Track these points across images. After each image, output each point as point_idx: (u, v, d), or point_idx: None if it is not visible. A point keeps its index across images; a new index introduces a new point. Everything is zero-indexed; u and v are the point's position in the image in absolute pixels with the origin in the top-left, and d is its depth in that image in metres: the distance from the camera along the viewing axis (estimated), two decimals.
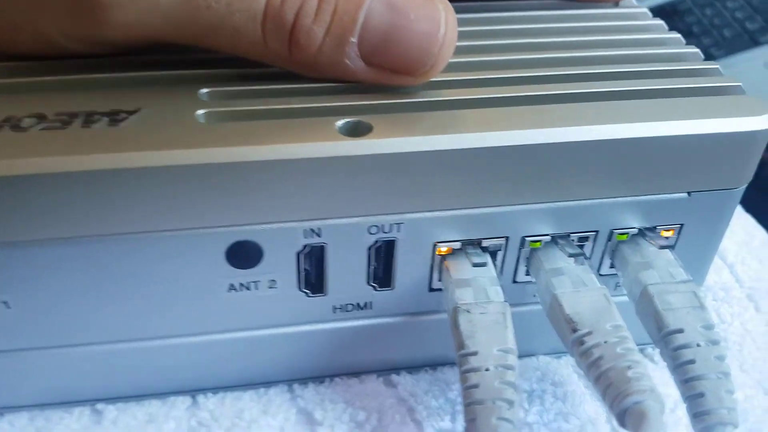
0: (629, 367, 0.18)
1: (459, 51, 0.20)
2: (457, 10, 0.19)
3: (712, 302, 0.26)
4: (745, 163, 0.20)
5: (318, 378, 0.22)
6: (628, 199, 0.20)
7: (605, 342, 0.18)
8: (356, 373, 0.23)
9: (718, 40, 0.53)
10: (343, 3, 0.17)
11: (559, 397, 0.22)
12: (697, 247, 0.22)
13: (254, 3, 0.17)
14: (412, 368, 0.23)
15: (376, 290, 0.21)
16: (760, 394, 0.23)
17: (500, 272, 0.21)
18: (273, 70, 0.19)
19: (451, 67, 0.20)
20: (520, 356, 0.22)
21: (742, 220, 0.29)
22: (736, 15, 0.54)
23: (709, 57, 0.52)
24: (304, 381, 0.22)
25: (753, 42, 0.52)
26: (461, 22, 0.19)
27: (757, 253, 0.28)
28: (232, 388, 0.22)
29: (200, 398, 0.21)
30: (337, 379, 0.22)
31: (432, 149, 0.18)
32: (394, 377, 0.22)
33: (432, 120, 0.18)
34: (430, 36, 0.18)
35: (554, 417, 0.21)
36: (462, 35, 0.20)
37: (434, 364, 0.23)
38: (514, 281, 0.21)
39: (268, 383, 0.22)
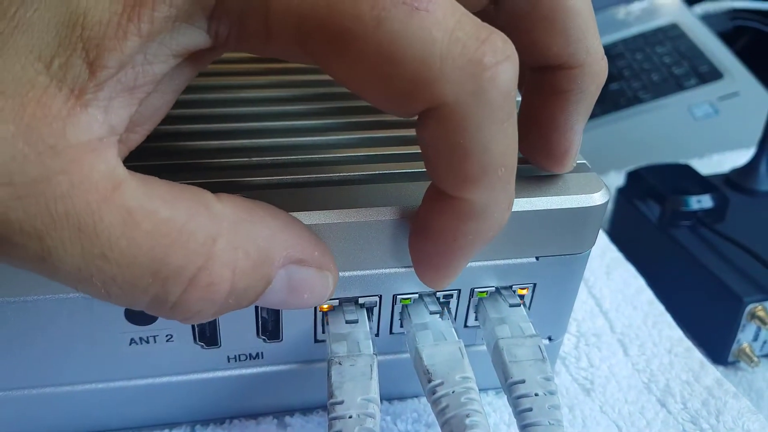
0: (467, 415, 0.20)
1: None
2: None
3: (584, 347, 0.28)
4: (585, 233, 0.23)
5: (218, 420, 0.25)
6: (485, 263, 0.23)
7: (453, 392, 0.21)
8: (254, 414, 0.25)
9: (646, 84, 0.56)
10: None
11: None
12: (552, 302, 0.24)
13: None
14: (306, 410, 0.26)
15: (266, 342, 0.23)
16: None
17: (376, 326, 0.24)
18: None
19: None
20: (405, 397, 0.25)
21: (622, 270, 0.32)
22: (664, 60, 0.57)
23: (637, 100, 0.56)
24: (205, 422, 0.25)
25: (678, 86, 0.55)
26: None
27: (631, 300, 0.31)
28: (138, 428, 0.24)
29: None
30: (235, 421, 0.25)
31: (318, 222, 0.20)
32: (287, 419, 0.25)
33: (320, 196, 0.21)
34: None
35: None
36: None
37: (325, 407, 0.26)
38: (391, 333, 0.24)
39: (172, 424, 0.25)
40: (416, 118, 0.17)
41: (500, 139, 0.16)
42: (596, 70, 0.20)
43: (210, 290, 0.17)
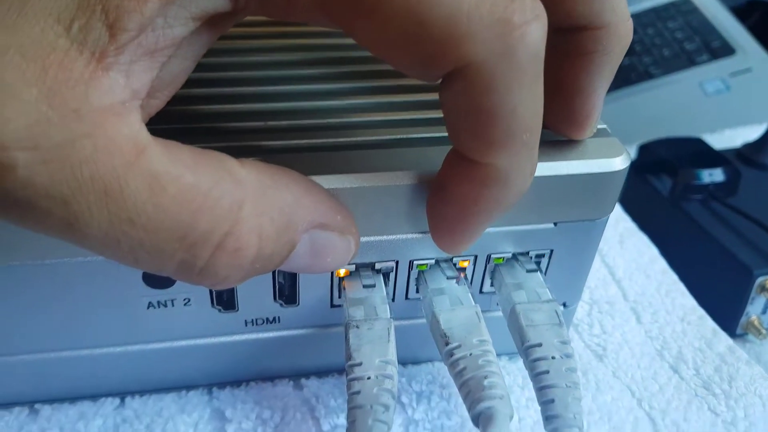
0: (485, 377, 0.21)
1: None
2: None
3: (597, 314, 0.29)
4: (604, 199, 0.23)
5: (235, 382, 0.25)
6: (502, 228, 0.23)
7: (470, 354, 0.21)
8: (270, 377, 0.26)
9: (657, 59, 0.56)
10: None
11: (444, 397, 0.25)
12: (569, 269, 0.25)
13: None
14: (321, 373, 0.26)
15: (283, 306, 0.23)
16: (627, 397, 0.26)
17: (392, 291, 0.24)
18: None
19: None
20: (419, 362, 0.26)
21: (635, 239, 0.32)
22: (676, 35, 0.57)
23: (648, 75, 0.55)
24: (222, 385, 0.25)
25: (690, 62, 0.55)
26: None
27: (645, 269, 0.31)
28: (157, 391, 0.25)
29: (128, 399, 0.24)
30: (252, 383, 0.25)
31: (336, 187, 0.20)
32: (303, 381, 0.25)
33: (339, 160, 0.21)
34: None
35: (438, 415, 0.24)
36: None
37: (340, 370, 0.26)
38: (406, 298, 0.24)
39: (189, 387, 0.25)
40: (439, 81, 0.16)
41: (527, 101, 0.16)
42: (622, 32, 0.19)
43: (237, 255, 0.17)
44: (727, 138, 0.47)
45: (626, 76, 0.55)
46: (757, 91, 0.53)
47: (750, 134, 0.43)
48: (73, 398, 0.24)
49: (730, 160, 0.37)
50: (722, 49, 0.56)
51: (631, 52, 0.57)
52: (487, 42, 0.15)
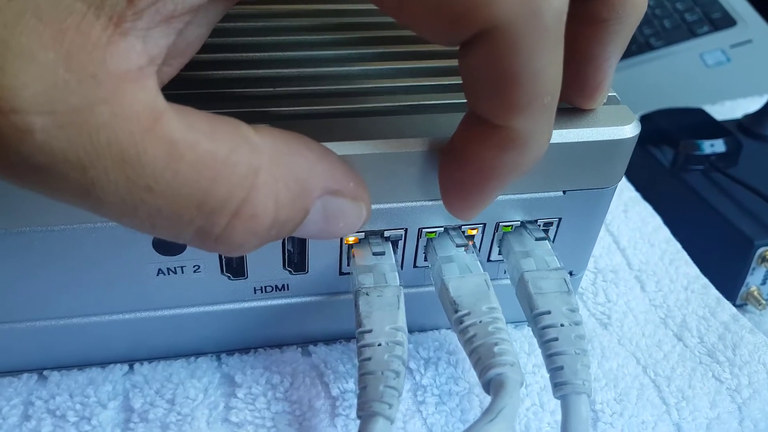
0: (496, 344, 0.21)
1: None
2: None
3: (602, 283, 0.29)
4: (614, 166, 0.23)
5: (244, 349, 0.25)
6: (511, 196, 0.23)
7: (480, 321, 0.21)
8: (279, 344, 0.26)
9: (658, 31, 0.55)
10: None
11: (451, 363, 0.25)
12: (576, 237, 0.25)
13: None
14: (329, 340, 0.26)
15: (292, 274, 0.23)
16: (632, 363, 0.26)
17: (401, 259, 0.24)
18: None
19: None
20: (425, 330, 0.26)
21: (639, 208, 0.33)
22: (677, 6, 0.56)
23: (649, 47, 0.55)
24: (231, 352, 0.25)
25: (691, 33, 0.55)
26: None
27: (649, 238, 0.31)
28: (166, 358, 0.25)
29: (136, 366, 0.24)
30: (260, 350, 0.25)
31: (346, 153, 0.20)
32: (311, 347, 0.25)
33: (349, 127, 0.21)
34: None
35: (446, 380, 0.24)
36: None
37: (348, 337, 0.26)
38: (415, 266, 0.24)
39: (198, 353, 0.25)
40: (458, 47, 0.16)
41: (550, 64, 0.16)
42: (637, 1, 0.19)
43: (253, 222, 0.16)
44: (728, 109, 0.47)
45: (627, 48, 0.54)
46: (757, 63, 0.53)
47: (750, 106, 0.43)
48: (81, 365, 0.24)
49: (731, 131, 0.37)
50: (723, 21, 0.55)
51: None
52: (513, 4, 0.15)
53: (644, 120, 0.41)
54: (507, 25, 0.15)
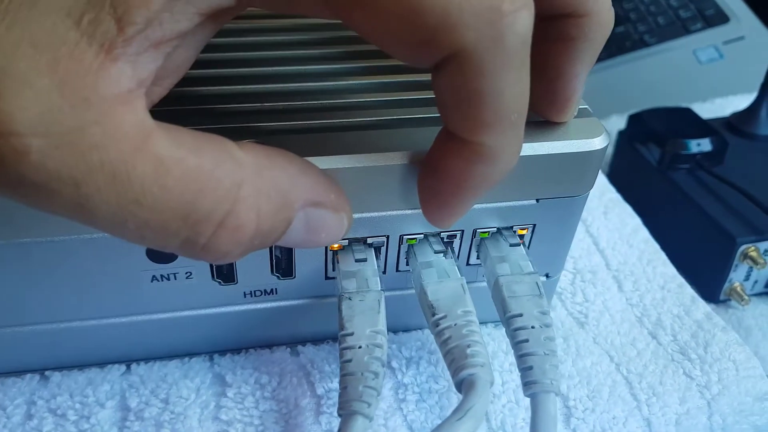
0: (469, 346, 0.22)
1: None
2: None
3: (580, 283, 0.30)
4: (584, 176, 0.24)
5: (235, 349, 0.27)
6: (488, 205, 0.24)
7: (455, 324, 0.23)
8: (269, 345, 0.27)
9: (652, 27, 0.56)
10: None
11: (432, 362, 0.26)
12: (551, 242, 0.26)
13: None
14: (317, 341, 0.27)
15: (280, 279, 0.25)
16: (605, 361, 0.27)
17: (384, 264, 0.25)
18: None
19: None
20: (410, 329, 0.27)
21: (619, 209, 0.34)
22: (671, 3, 0.57)
23: (642, 44, 0.56)
24: (223, 352, 0.27)
25: (684, 30, 0.55)
26: None
27: (627, 239, 0.32)
28: (161, 358, 0.26)
29: (133, 366, 0.26)
30: (251, 350, 0.27)
31: (330, 167, 0.21)
32: (299, 347, 0.27)
33: (334, 141, 0.22)
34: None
35: (426, 379, 0.26)
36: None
37: (335, 338, 0.27)
38: (397, 270, 0.25)
39: (191, 354, 0.26)
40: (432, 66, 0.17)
41: (515, 85, 0.17)
42: (603, 20, 0.20)
43: (237, 232, 0.18)
44: (718, 107, 0.48)
45: (621, 44, 0.55)
46: (749, 59, 0.53)
47: (741, 103, 0.44)
48: (81, 365, 0.26)
49: (717, 130, 0.38)
50: (716, 17, 0.56)
51: (626, 20, 0.57)
52: (478, 29, 0.16)
53: (633, 119, 0.42)
54: (472, 49, 0.16)
